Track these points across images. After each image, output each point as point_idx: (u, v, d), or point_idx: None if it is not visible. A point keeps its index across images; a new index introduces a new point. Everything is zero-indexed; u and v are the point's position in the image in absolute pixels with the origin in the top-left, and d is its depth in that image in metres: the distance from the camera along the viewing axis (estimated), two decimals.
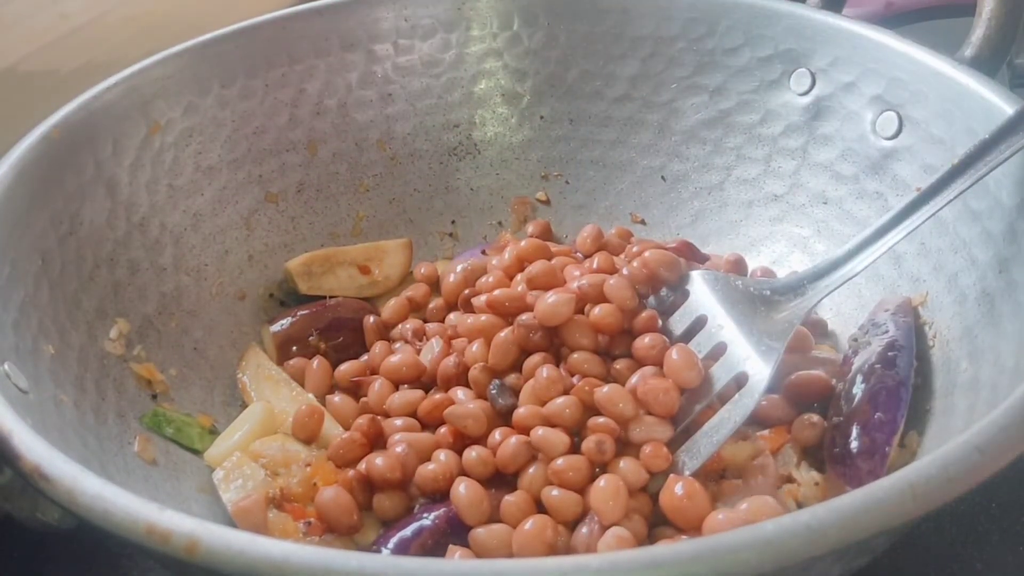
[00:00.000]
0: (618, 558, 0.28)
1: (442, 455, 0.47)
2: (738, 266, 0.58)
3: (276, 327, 0.56)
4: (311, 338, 0.56)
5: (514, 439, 0.45)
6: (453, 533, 0.43)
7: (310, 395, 0.53)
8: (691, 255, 0.56)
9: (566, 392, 0.47)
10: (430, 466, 0.46)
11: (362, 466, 0.47)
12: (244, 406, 0.54)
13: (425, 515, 0.44)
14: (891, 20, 0.86)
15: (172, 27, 0.67)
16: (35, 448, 0.34)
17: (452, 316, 0.56)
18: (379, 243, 0.63)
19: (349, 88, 0.64)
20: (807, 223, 0.59)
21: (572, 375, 0.48)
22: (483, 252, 0.62)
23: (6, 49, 0.66)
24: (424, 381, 0.52)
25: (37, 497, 0.36)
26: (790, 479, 0.46)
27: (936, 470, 0.30)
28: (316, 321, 0.56)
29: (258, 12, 0.61)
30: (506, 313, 0.50)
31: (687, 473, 0.44)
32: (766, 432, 0.48)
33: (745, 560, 0.28)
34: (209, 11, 0.71)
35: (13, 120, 0.52)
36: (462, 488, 0.44)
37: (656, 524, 0.44)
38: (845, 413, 0.46)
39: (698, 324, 0.49)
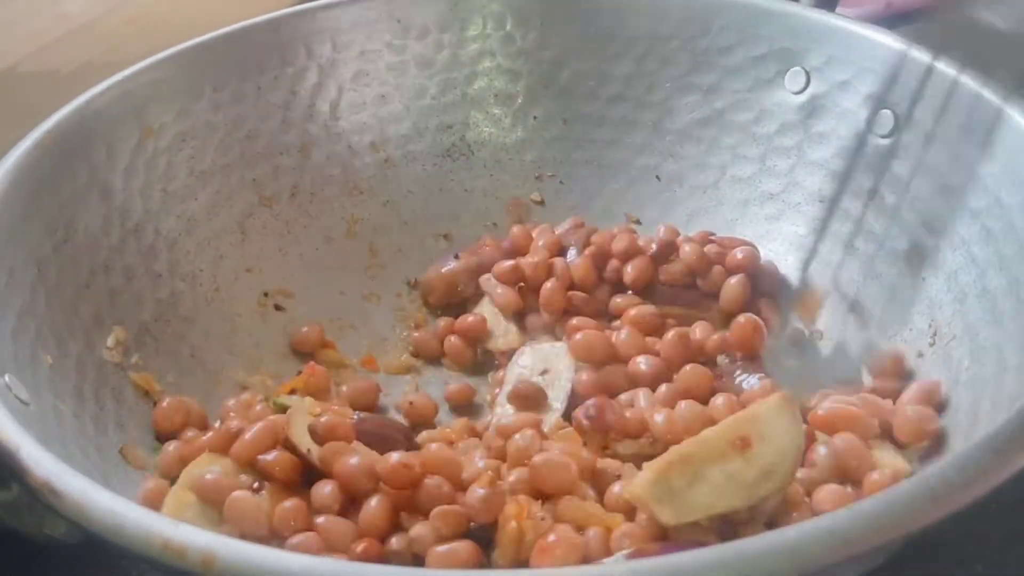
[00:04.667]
0: (639, 567, 0.28)
1: None
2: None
3: None
4: None
5: None
6: None
7: None
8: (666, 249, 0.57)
9: None
10: None
11: None
12: None
13: None
14: (891, 20, 0.86)
15: (172, 27, 0.66)
16: (43, 462, 0.34)
17: None
18: (750, 411, 0.40)
19: (342, 90, 0.63)
20: (803, 221, 0.59)
21: None
22: (455, 257, 0.61)
23: (6, 49, 0.65)
24: None
25: (44, 512, 0.35)
26: None
27: (954, 473, 0.30)
28: None
29: (258, 12, 0.61)
30: None
31: None
32: None
33: (768, 567, 0.28)
34: (209, 12, 0.70)
35: (13, 120, 0.51)
36: None
37: None
38: None
39: None
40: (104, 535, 0.32)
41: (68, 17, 0.68)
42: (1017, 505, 0.50)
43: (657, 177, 0.64)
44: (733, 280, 0.55)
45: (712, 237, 0.58)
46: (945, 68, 0.52)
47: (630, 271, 0.56)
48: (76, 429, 0.44)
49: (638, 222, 0.64)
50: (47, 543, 0.39)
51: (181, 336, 0.55)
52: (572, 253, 0.59)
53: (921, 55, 0.54)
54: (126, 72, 0.55)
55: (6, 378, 0.40)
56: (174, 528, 0.30)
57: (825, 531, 0.29)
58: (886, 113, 0.55)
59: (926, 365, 0.49)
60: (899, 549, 0.39)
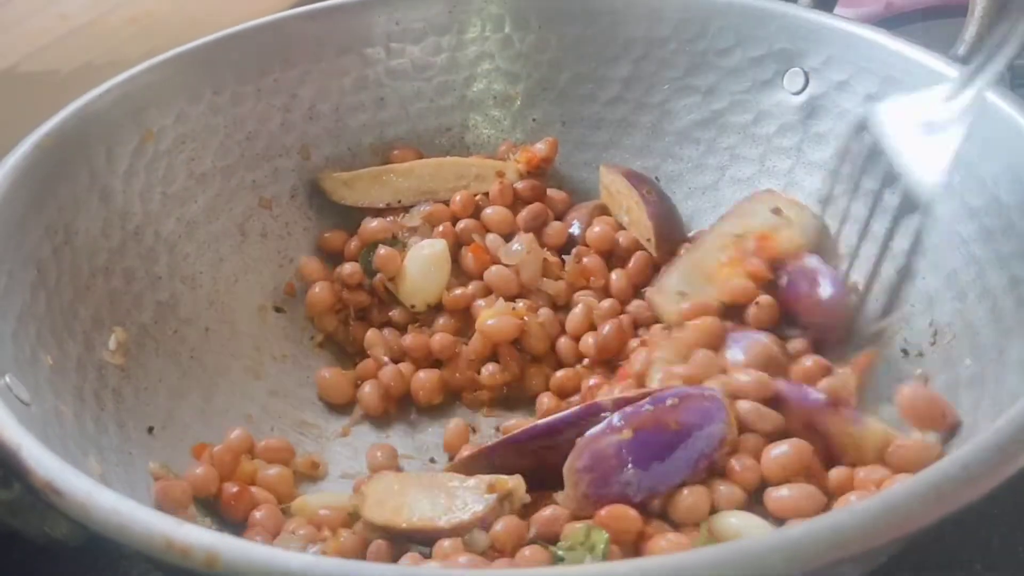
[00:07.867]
0: (645, 564, 0.28)
1: None
2: None
3: None
4: None
5: None
6: None
7: None
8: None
9: None
10: None
11: None
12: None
13: None
14: (891, 20, 0.86)
15: (172, 28, 0.67)
16: (45, 462, 0.34)
17: None
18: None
19: (342, 92, 0.63)
20: None
21: None
22: None
23: (6, 50, 0.66)
24: None
25: (45, 512, 0.35)
26: None
27: (958, 471, 0.30)
28: None
29: (259, 13, 0.61)
30: None
31: None
32: None
33: (772, 564, 0.28)
34: (209, 12, 0.71)
35: (13, 121, 0.51)
36: None
37: None
38: None
39: None
40: (107, 535, 0.32)
41: (68, 17, 0.68)
42: (1017, 508, 0.50)
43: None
44: None
45: None
46: (944, 68, 0.53)
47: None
48: (77, 430, 0.44)
49: None
50: (49, 543, 0.39)
51: (181, 338, 0.55)
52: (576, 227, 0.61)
53: (920, 55, 0.54)
54: (126, 74, 0.56)
55: (7, 379, 0.40)
56: (177, 527, 0.30)
57: (828, 530, 0.29)
58: None
59: (926, 364, 0.49)
60: (902, 547, 0.39)
